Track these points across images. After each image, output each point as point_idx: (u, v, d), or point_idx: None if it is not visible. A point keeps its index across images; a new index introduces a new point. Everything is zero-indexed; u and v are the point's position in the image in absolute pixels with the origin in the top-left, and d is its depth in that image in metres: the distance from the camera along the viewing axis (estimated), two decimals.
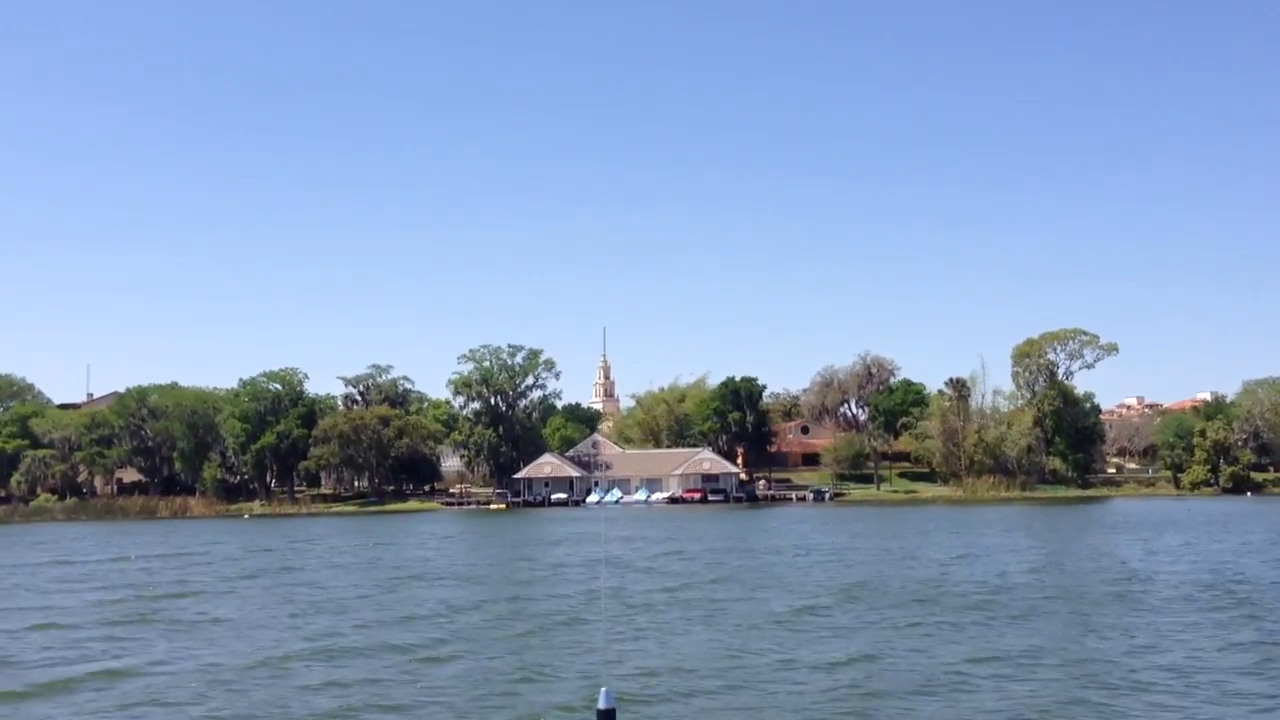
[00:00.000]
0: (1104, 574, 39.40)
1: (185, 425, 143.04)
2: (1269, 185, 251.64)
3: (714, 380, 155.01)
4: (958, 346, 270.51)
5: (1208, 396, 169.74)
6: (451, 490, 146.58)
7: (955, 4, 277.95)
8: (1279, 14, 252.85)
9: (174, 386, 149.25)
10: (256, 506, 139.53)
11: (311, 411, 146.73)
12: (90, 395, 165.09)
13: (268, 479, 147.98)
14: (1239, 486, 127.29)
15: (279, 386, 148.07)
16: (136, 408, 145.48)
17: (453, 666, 23.29)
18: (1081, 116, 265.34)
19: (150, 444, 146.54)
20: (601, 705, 9.65)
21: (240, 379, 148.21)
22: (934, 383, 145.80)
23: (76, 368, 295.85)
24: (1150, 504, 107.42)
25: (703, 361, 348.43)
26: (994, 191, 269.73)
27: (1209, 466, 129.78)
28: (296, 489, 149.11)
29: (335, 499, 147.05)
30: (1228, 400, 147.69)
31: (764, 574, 41.28)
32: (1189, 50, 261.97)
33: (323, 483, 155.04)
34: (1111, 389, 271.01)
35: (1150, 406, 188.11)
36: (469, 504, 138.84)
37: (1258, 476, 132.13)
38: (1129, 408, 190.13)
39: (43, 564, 56.60)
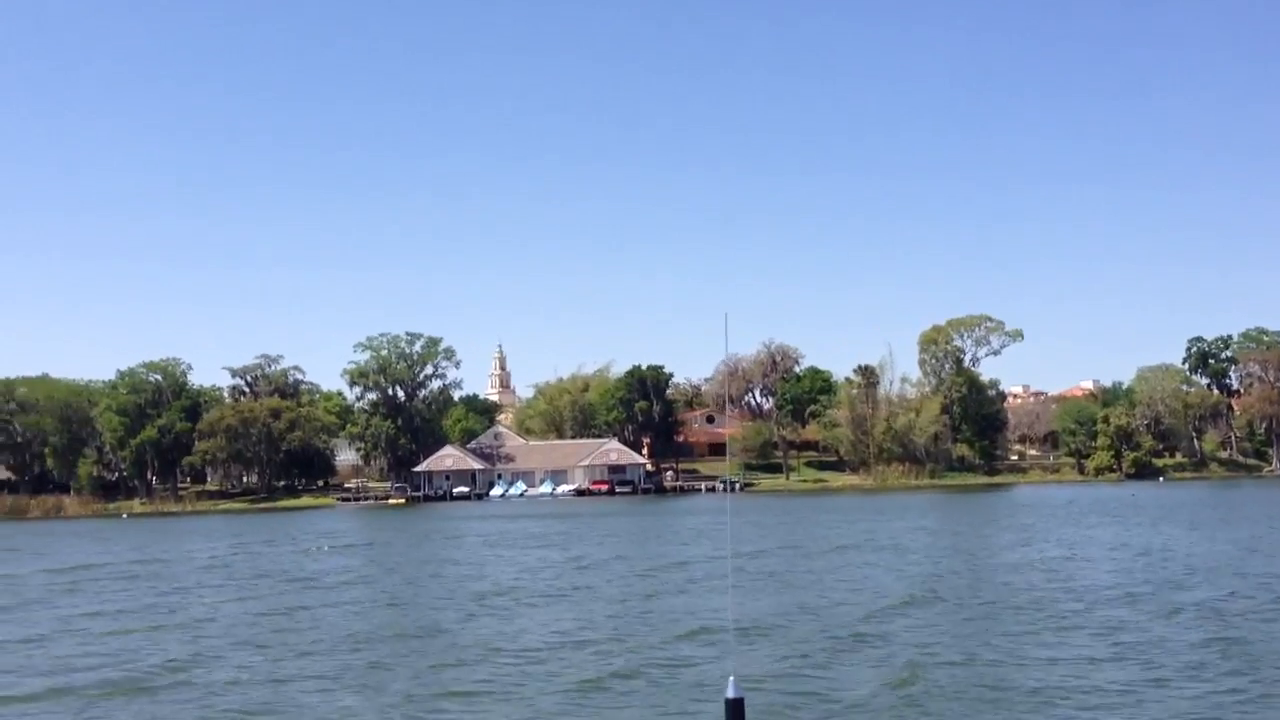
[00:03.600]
0: None
1: (58, 419, 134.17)
2: (1157, 176, 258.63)
3: (618, 369, 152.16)
4: (857, 334, 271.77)
5: (1090, 385, 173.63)
6: (347, 485, 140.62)
7: None
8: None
9: (45, 378, 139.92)
10: (136, 505, 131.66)
11: (196, 404, 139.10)
12: None
13: (148, 476, 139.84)
14: (1141, 472, 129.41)
15: (160, 378, 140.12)
16: (3, 401, 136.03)
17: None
18: (979, 103, 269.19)
19: (19, 439, 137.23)
20: (730, 694, 9.46)
21: (118, 370, 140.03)
22: (839, 370, 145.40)
23: None
24: (1076, 490, 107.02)
25: (600, 351, 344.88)
26: (888, 178, 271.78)
27: (1112, 452, 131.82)
28: (180, 486, 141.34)
29: (222, 496, 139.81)
30: (1124, 387, 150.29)
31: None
32: (1091, 33, 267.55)
33: (208, 479, 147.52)
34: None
35: (1036, 394, 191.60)
36: (366, 499, 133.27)
37: (1157, 462, 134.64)
38: (1016, 396, 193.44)
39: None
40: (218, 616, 29.75)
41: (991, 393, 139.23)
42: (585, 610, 28.39)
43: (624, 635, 24.08)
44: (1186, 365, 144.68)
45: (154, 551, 59.00)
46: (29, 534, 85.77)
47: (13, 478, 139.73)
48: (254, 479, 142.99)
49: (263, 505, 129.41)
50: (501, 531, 66.55)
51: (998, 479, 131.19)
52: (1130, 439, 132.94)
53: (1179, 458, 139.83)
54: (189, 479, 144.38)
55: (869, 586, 32.18)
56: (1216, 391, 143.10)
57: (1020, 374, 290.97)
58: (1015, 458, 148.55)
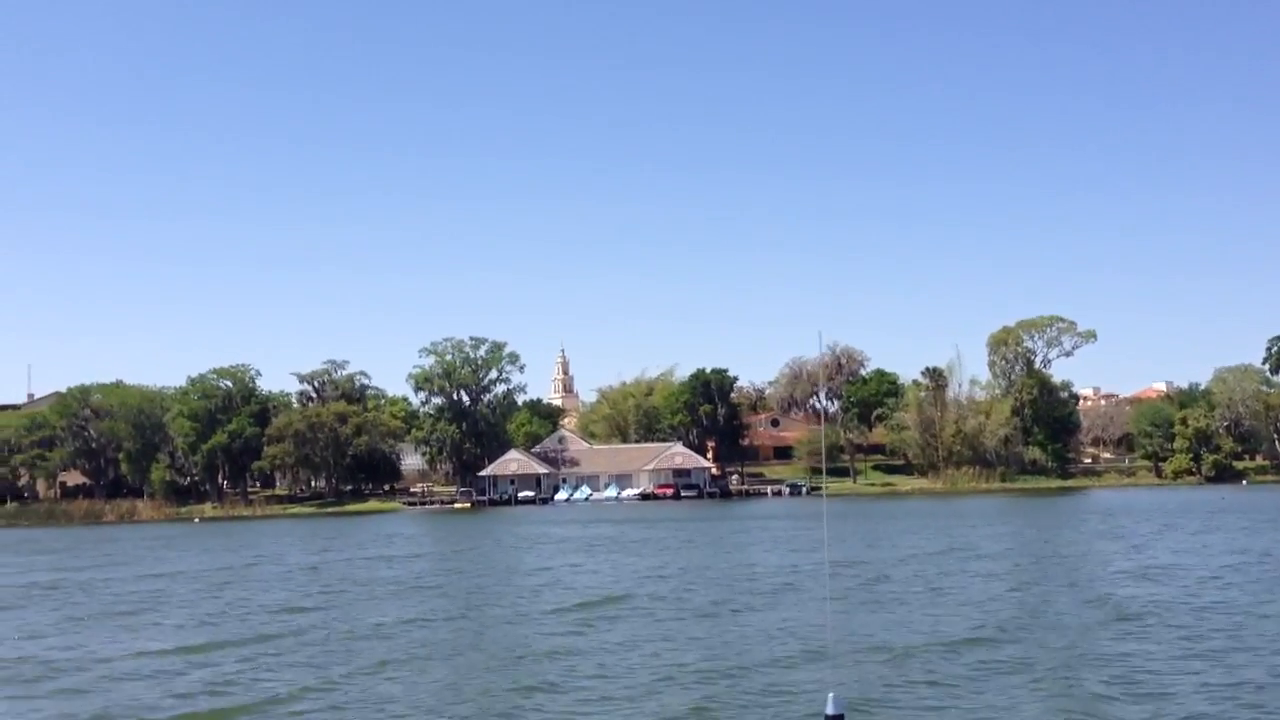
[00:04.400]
0: None
1: (131, 425, 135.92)
2: (1228, 173, 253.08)
3: (682, 373, 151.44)
4: (923, 337, 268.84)
5: (1163, 386, 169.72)
6: (413, 489, 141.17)
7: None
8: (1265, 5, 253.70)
9: (119, 385, 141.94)
10: (208, 509, 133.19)
11: (264, 409, 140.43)
12: (31, 396, 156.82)
13: (219, 480, 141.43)
14: (1221, 475, 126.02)
15: (229, 384, 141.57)
16: (79, 408, 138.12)
17: None
18: (1049, 105, 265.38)
19: (94, 445, 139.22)
20: (830, 711, 9.10)
21: (189, 376, 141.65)
22: (905, 373, 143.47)
23: (16, 368, 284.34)
24: (1162, 494, 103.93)
25: (663, 355, 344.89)
26: (953, 179, 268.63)
27: (1191, 455, 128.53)
28: (250, 490, 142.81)
29: (291, 500, 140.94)
30: (1200, 388, 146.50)
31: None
32: (1157, 40, 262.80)
33: (277, 483, 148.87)
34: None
35: (1107, 396, 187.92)
36: (431, 503, 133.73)
37: (1237, 465, 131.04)
38: (1087, 398, 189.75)
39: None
40: (323, 629, 29.43)
41: (1064, 394, 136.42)
42: (683, 627, 27.37)
43: (724, 653, 23.15)
44: (1267, 365, 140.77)
45: (244, 556, 59.19)
46: (110, 539, 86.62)
47: (88, 482, 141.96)
48: (321, 483, 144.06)
49: (331, 510, 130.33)
50: (576, 538, 65.93)
51: (1071, 483, 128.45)
52: (1209, 441, 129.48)
53: (1259, 460, 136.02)
54: (258, 483, 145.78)
55: (1020, 601, 29.58)
56: None
57: (1090, 376, 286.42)
58: (1089, 461, 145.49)
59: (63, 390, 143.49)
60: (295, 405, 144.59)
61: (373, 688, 20.68)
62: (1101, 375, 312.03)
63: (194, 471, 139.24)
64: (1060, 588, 32.63)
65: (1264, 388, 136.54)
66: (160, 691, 21.07)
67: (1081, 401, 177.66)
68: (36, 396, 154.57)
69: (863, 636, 24.33)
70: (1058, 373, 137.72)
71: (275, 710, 19.23)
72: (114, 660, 24.84)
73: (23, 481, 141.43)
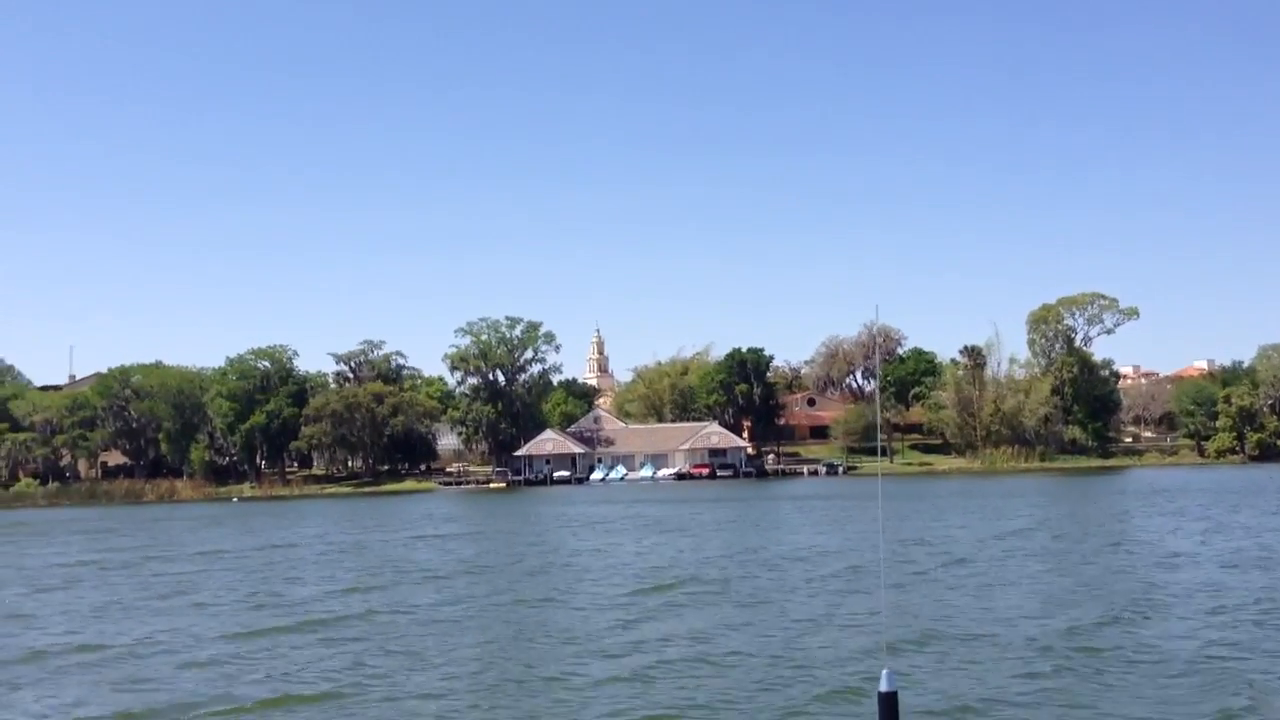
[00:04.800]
0: None
1: (171, 406, 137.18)
2: (1271, 155, 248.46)
3: (718, 352, 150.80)
4: (961, 316, 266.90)
5: (1204, 365, 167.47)
6: (449, 469, 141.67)
7: None
8: None
9: (158, 366, 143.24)
10: (246, 489, 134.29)
11: (302, 390, 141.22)
12: (73, 376, 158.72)
13: (258, 460, 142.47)
14: (1265, 454, 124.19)
15: (267, 364, 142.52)
16: (119, 388, 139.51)
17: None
18: (1086, 83, 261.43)
19: (134, 425, 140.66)
20: (883, 688, 8.88)
21: (227, 357, 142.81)
22: (943, 352, 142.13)
23: (59, 349, 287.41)
24: (1211, 473, 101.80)
25: (699, 334, 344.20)
26: (991, 158, 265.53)
27: (1234, 434, 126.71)
28: (288, 470, 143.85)
29: (328, 480, 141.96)
30: (1243, 366, 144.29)
31: None
32: (1198, 17, 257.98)
33: (314, 463, 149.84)
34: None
35: (1146, 375, 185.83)
36: (467, 483, 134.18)
37: None
38: (1127, 376, 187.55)
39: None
40: (369, 615, 29.22)
41: (1105, 373, 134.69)
42: (740, 614, 26.65)
43: (785, 641, 22.51)
44: None
45: (285, 537, 59.32)
46: (152, 519, 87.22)
47: (129, 462, 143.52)
48: (358, 463, 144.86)
49: (368, 489, 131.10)
50: (618, 518, 65.42)
51: (1112, 462, 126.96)
52: (1253, 420, 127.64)
53: None
54: (296, 463, 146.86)
55: (1113, 588, 27.88)
56: None
57: (1130, 354, 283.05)
58: (1129, 440, 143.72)
59: (103, 371, 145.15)
60: (332, 385, 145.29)
61: (421, 680, 20.21)
62: (1142, 353, 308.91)
63: (233, 451, 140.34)
64: (1154, 572, 31.04)
65: None
66: (203, 679, 20.78)
67: (1122, 380, 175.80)
68: (78, 377, 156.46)
69: (951, 624, 23.28)
70: (1098, 351, 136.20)
71: (321, 700, 18.87)
72: (157, 645, 24.60)
73: (65, 461, 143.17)
